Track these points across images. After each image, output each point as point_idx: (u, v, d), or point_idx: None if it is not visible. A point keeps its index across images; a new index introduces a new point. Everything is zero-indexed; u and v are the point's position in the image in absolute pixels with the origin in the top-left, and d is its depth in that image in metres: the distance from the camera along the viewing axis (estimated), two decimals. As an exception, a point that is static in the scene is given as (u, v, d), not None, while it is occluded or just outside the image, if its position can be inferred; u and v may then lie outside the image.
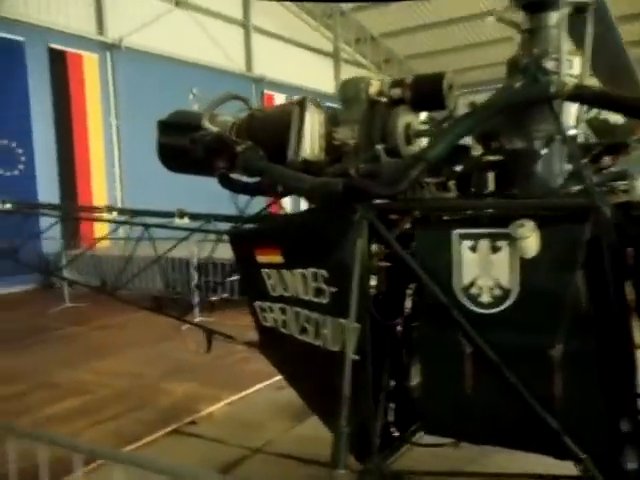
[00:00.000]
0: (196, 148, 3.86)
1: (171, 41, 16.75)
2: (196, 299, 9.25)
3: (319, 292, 3.28)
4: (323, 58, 24.07)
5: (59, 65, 13.95)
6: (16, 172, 13.16)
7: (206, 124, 3.79)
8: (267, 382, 6.11)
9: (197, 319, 8.90)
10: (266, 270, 3.60)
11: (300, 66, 22.11)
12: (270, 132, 3.60)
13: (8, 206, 6.04)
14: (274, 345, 3.90)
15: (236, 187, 3.94)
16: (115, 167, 15.53)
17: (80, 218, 5.73)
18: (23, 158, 13.27)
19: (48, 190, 13.47)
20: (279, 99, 21.22)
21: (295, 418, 5.17)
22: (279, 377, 6.29)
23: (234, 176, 3.89)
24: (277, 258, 3.53)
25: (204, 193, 15.64)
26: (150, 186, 15.52)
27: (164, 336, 8.34)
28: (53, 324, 9.42)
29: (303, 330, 3.48)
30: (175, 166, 4.31)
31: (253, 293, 3.88)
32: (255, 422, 5.12)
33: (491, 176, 3.02)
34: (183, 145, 3.95)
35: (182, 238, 4.91)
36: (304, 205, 3.93)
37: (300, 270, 3.37)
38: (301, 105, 3.38)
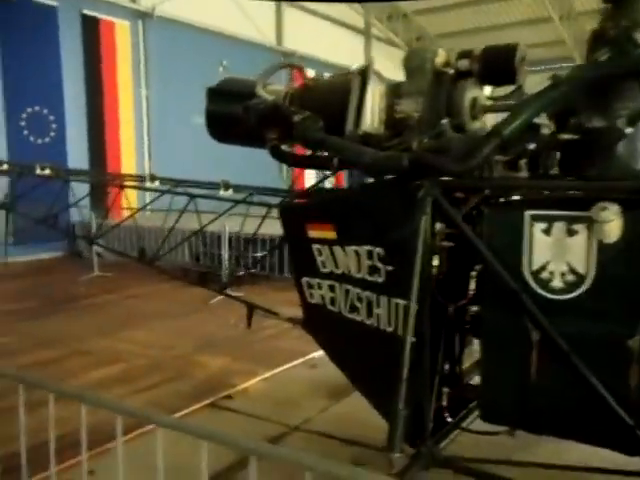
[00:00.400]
0: (249, 117, 3.76)
1: (202, 11, 16.52)
2: (226, 273, 9.16)
3: (374, 270, 3.17)
4: (354, 35, 23.66)
5: (91, 32, 13.85)
6: (47, 139, 13.18)
7: (261, 92, 3.67)
8: (300, 360, 6.07)
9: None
10: (317, 246, 3.50)
11: (331, 42, 21.74)
12: (327, 102, 3.47)
13: (47, 172, 6.03)
14: (320, 323, 3.81)
15: (288, 159, 3.84)
16: (144, 136, 15.49)
17: (124, 186, 5.63)
18: (54, 125, 13.27)
19: (78, 158, 13.44)
20: (310, 75, 20.94)
21: (331, 397, 5.11)
22: (312, 355, 6.30)
23: (285, 148, 3.80)
24: (330, 234, 3.43)
25: (233, 166, 15.70)
26: (178, 157, 15.54)
27: (193, 308, 8.35)
28: (84, 292, 9.47)
29: (353, 308, 3.38)
30: (223, 136, 4.21)
31: (301, 269, 3.79)
32: (291, 400, 5.07)
33: (564, 155, 2.88)
34: (234, 113, 3.85)
35: (227, 209, 4.80)
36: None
37: (354, 247, 3.26)
38: (363, 74, 3.25)
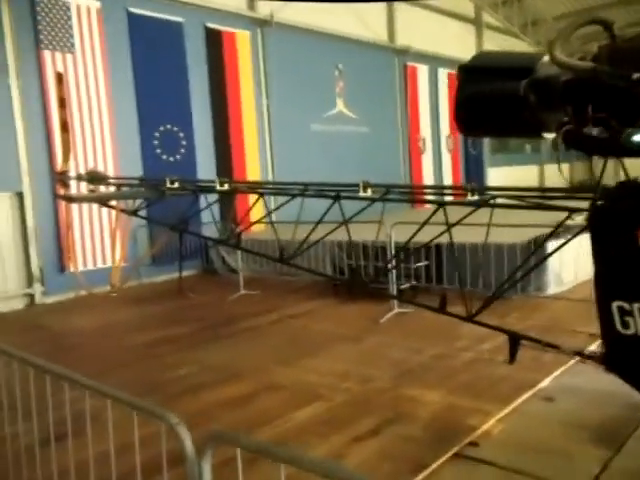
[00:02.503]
0: (532, 95, 2.92)
1: (315, 15, 16.00)
2: (393, 287, 8.31)
3: None
4: (465, 25, 22.39)
5: (214, 44, 13.61)
6: (178, 157, 13.02)
7: (562, 59, 2.77)
8: (530, 392, 5.12)
9: (396, 310, 8.08)
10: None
11: (442, 35, 20.64)
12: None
13: (176, 185, 5.50)
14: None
15: (596, 147, 2.93)
16: (266, 147, 15.11)
17: (263, 193, 4.90)
18: (184, 142, 13.10)
19: (206, 172, 13.24)
20: (422, 71, 19.98)
21: (599, 443, 4.13)
22: (540, 385, 5.32)
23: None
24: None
25: (351, 170, 14.95)
26: (299, 163, 15.06)
27: (364, 328, 7.61)
28: (239, 312, 8.98)
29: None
30: (479, 124, 3.37)
31: (614, 290, 2.91)
32: (551, 446, 4.13)
33: None
34: (505, 93, 3.01)
35: (438, 205, 3.88)
36: None
37: None
38: None
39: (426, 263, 9.28)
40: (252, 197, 6.27)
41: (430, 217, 4.10)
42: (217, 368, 6.31)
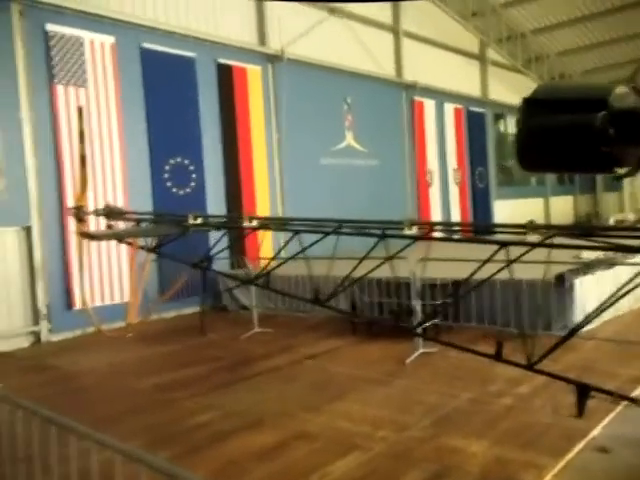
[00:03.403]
0: (618, 127, 2.71)
1: (325, 50, 16.11)
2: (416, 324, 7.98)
3: None
4: (469, 60, 22.58)
5: (226, 80, 13.58)
6: (188, 190, 12.85)
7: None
8: (582, 442, 4.78)
9: (420, 350, 7.76)
10: None
11: (447, 70, 20.80)
12: None
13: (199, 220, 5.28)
14: None
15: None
16: (276, 181, 14.97)
17: (299, 230, 4.61)
18: (194, 175, 12.95)
19: (216, 207, 13.10)
20: (429, 106, 20.03)
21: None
22: (592, 434, 4.99)
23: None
24: None
25: (359, 206, 14.79)
26: (308, 198, 14.93)
27: (390, 370, 7.28)
28: (255, 351, 8.65)
29: None
30: (544, 159, 3.14)
31: None
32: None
33: None
34: (582, 126, 2.80)
35: (500, 245, 3.60)
36: None
37: None
38: None
39: (450, 300, 8.99)
40: (270, 233, 6.11)
41: (492, 256, 3.79)
42: (240, 414, 5.96)
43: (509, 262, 3.82)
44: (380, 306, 9.91)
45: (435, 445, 4.93)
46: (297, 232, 4.58)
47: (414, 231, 4.09)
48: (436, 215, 20.22)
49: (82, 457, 3.07)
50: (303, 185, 15.37)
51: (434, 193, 20.40)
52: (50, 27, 10.45)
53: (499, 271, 3.76)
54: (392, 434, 5.22)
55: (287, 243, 4.63)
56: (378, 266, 4.36)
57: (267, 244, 13.22)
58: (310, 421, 5.65)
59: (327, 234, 4.62)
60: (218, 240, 5.61)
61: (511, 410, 5.67)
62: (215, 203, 13.17)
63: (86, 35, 10.92)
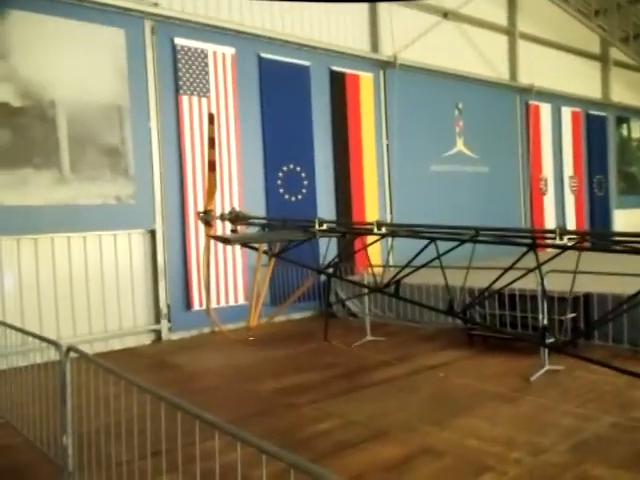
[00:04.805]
0: None
1: (437, 54, 15.80)
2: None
3: None
4: (589, 61, 21.29)
5: (338, 87, 13.67)
6: (299, 197, 13.02)
7: None
8: None
9: (547, 367, 7.30)
10: None
11: (566, 72, 19.73)
12: None
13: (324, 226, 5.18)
14: None
15: None
16: (385, 188, 14.83)
17: (435, 238, 4.37)
18: (306, 182, 13.11)
19: (326, 213, 13.13)
20: (545, 110, 19.08)
21: None
22: None
23: None
24: None
25: (471, 212, 14.28)
26: (417, 205, 14.67)
27: (516, 387, 6.92)
28: (370, 359, 8.55)
29: None
30: None
31: None
32: None
33: None
34: None
35: None
36: None
37: None
38: None
39: (574, 315, 8.41)
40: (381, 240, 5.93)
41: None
42: (361, 424, 5.87)
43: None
44: (500, 318, 9.45)
45: (578, 474, 4.56)
46: (433, 239, 4.42)
47: (565, 241, 3.81)
48: (549, 225, 19.19)
49: (224, 453, 3.11)
50: (412, 192, 15.14)
51: (548, 201, 19.39)
52: (178, 41, 11.00)
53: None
54: (527, 457, 4.91)
55: (422, 251, 4.48)
56: (522, 276, 4.11)
57: (375, 252, 13.10)
58: (435, 436, 5.45)
59: (464, 242, 4.44)
60: (343, 247, 5.57)
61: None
62: (325, 210, 13.24)
63: (210, 47, 11.40)
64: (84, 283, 10.22)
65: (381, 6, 14.55)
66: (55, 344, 4.66)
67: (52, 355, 4.79)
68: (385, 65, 14.60)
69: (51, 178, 9.71)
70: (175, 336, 11.12)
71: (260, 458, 2.73)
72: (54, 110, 9.71)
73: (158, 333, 11.09)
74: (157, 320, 11.11)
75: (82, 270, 10.22)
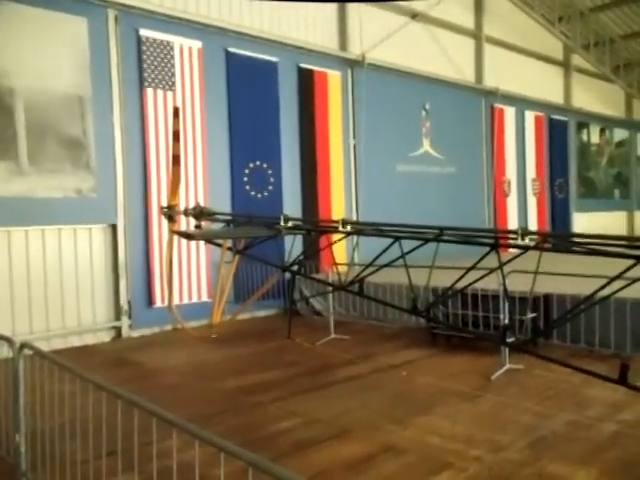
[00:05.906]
0: None
1: (404, 55, 15.91)
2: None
3: None
4: (552, 67, 21.77)
5: (306, 84, 13.62)
6: (266, 193, 12.94)
7: None
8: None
9: (507, 366, 7.42)
10: None
11: (529, 77, 20.12)
12: None
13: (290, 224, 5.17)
14: None
15: None
16: (351, 186, 14.86)
17: (403, 238, 4.37)
18: (272, 179, 13.03)
19: (292, 211, 13.04)
20: (509, 113, 19.43)
21: None
22: None
23: None
24: None
25: (435, 212, 14.44)
26: (383, 204, 14.74)
27: (476, 385, 7.01)
28: (333, 358, 8.54)
29: None
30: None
31: None
32: None
33: None
34: None
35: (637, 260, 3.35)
36: None
37: None
38: None
39: (534, 315, 8.56)
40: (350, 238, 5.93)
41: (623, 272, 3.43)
42: (324, 422, 5.85)
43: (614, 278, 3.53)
44: (462, 318, 9.54)
45: (536, 471, 4.64)
46: (398, 238, 4.42)
47: (527, 241, 3.86)
48: (512, 226, 19.56)
49: (183, 452, 3.05)
50: (379, 191, 15.20)
51: (511, 203, 19.76)
52: (143, 32, 10.78)
53: (602, 288, 3.49)
54: (487, 454, 4.96)
55: (386, 249, 4.48)
56: (484, 276, 4.15)
57: (341, 251, 13.11)
58: (397, 434, 5.47)
59: (428, 241, 4.45)
60: (309, 245, 5.53)
61: (617, 438, 5.28)
62: (291, 207, 13.16)
63: (176, 40, 11.21)
64: (42, 278, 9.94)
65: (350, 5, 14.57)
66: (8, 340, 4.50)
67: (5, 352, 4.64)
68: (353, 64, 14.62)
69: (6, 170, 9.40)
70: (136, 333, 10.91)
71: (219, 457, 2.69)
72: (12, 99, 9.40)
73: (118, 330, 10.87)
74: (117, 317, 10.88)
75: (40, 265, 9.93)
